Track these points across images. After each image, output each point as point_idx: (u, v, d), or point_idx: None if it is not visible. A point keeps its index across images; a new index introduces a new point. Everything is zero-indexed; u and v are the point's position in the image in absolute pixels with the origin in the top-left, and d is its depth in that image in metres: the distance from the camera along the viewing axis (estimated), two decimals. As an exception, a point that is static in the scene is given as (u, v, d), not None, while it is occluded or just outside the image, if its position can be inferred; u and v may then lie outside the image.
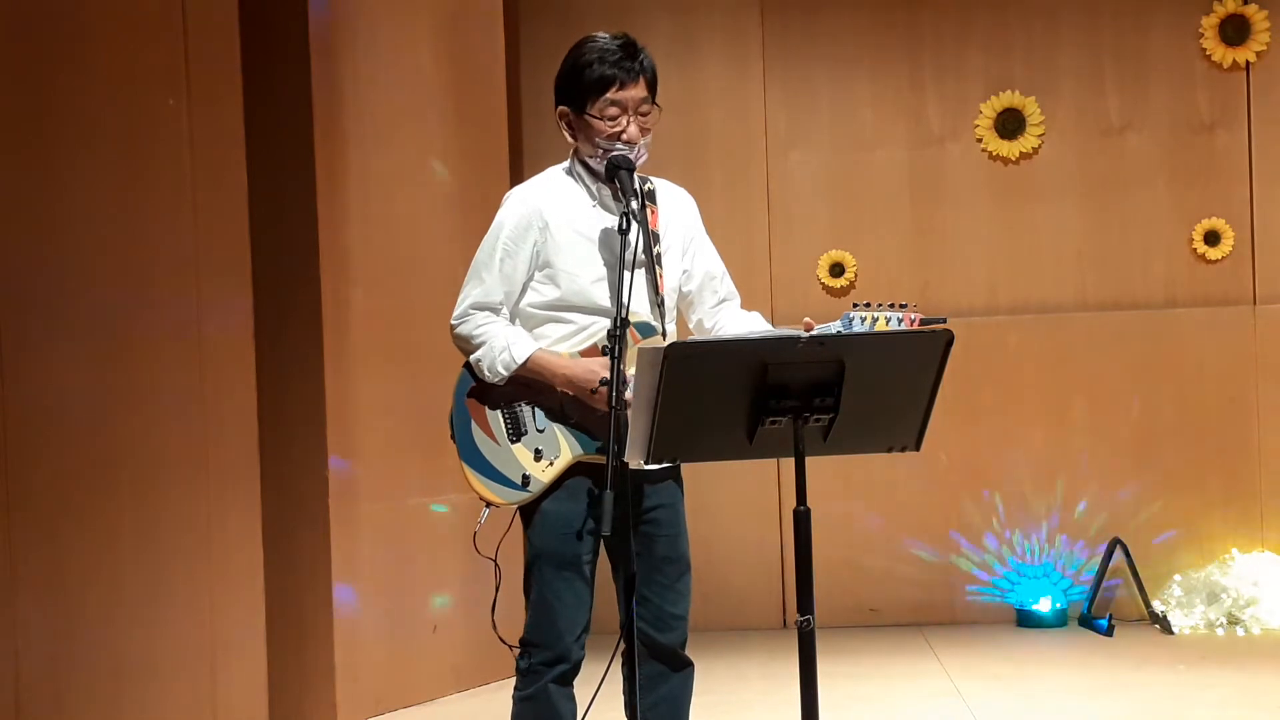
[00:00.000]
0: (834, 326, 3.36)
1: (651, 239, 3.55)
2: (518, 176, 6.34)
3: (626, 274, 3.34)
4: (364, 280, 5.76)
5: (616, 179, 3.45)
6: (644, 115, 3.51)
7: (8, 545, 4.41)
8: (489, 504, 3.53)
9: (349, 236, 5.71)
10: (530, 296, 3.56)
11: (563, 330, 3.54)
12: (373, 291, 5.79)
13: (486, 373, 3.51)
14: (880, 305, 3.38)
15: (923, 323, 3.39)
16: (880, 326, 3.37)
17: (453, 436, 3.57)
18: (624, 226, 3.37)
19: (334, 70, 5.65)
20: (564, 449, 3.50)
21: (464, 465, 3.54)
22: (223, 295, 5.04)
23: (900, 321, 3.37)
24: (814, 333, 3.32)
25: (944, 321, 3.38)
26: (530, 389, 3.50)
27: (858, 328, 3.34)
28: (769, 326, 3.64)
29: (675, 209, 3.67)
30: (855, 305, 3.38)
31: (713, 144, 7.41)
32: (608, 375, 3.37)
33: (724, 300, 3.73)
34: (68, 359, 4.60)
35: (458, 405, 3.57)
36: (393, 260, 5.88)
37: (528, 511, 3.54)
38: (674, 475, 3.63)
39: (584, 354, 3.52)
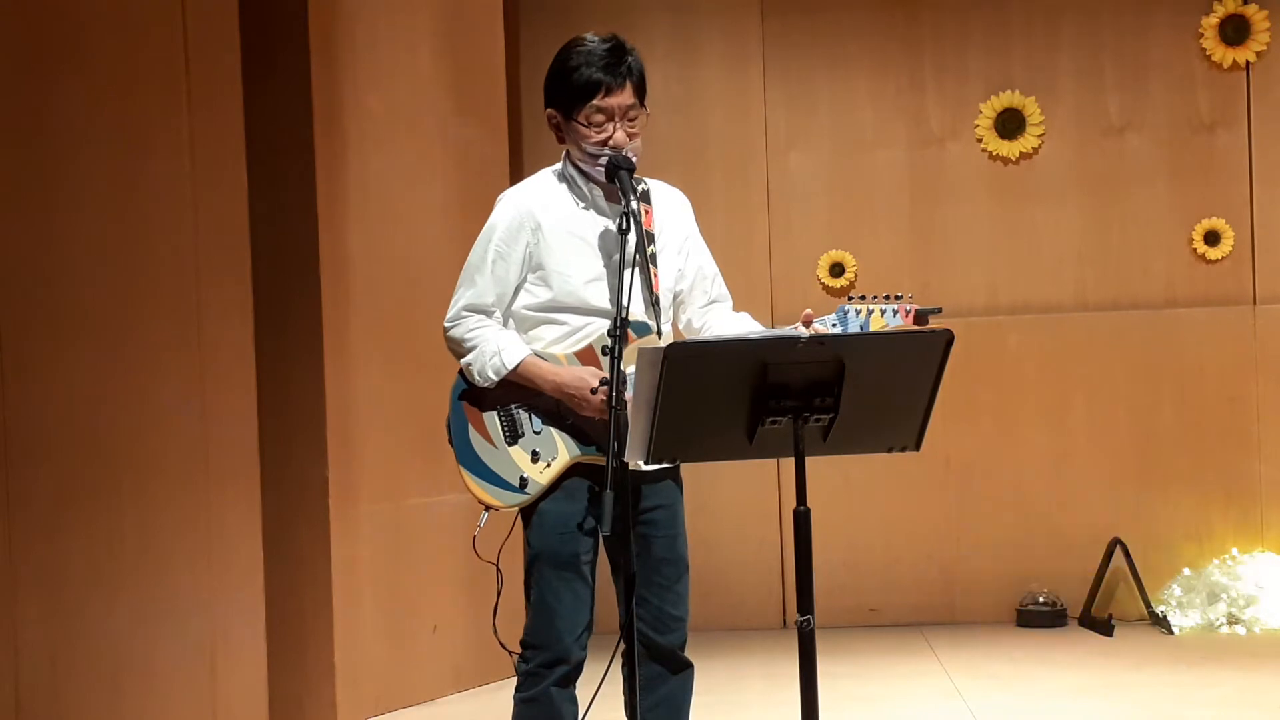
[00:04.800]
0: (830, 320, 3.38)
1: (646, 239, 3.55)
2: (518, 176, 6.33)
3: (626, 273, 3.34)
4: (364, 280, 5.76)
5: (617, 179, 3.45)
6: (631, 121, 3.50)
7: (8, 545, 4.41)
8: (488, 508, 3.53)
9: (349, 236, 5.71)
10: (523, 299, 3.56)
11: (557, 332, 3.54)
12: (373, 291, 5.79)
13: (477, 377, 3.51)
14: (876, 298, 3.40)
15: (918, 313, 3.41)
16: (876, 319, 3.40)
17: (450, 441, 3.57)
18: (624, 226, 3.36)
19: (334, 70, 5.65)
20: (561, 450, 3.50)
21: (461, 469, 3.53)
22: (223, 295, 5.04)
23: (896, 314, 3.40)
24: (811, 326, 3.35)
25: (939, 311, 3.41)
26: (525, 392, 3.50)
27: (852, 320, 3.36)
28: (758, 326, 3.63)
29: (670, 209, 3.67)
30: (850, 298, 3.40)
31: (713, 144, 7.41)
32: (601, 380, 3.38)
33: (714, 301, 3.72)
34: (68, 359, 4.61)
35: (454, 409, 3.57)
36: (393, 260, 5.88)
37: (527, 512, 3.54)
38: (672, 476, 3.63)
39: (579, 354, 3.52)
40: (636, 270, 3.51)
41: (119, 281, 4.75)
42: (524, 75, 7.09)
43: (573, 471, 3.50)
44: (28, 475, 4.47)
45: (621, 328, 3.29)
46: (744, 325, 3.65)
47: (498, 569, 3.55)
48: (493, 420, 3.52)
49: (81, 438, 4.63)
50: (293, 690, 5.48)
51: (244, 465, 5.10)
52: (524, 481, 3.49)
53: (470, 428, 3.53)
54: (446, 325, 3.57)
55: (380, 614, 5.79)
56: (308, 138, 5.54)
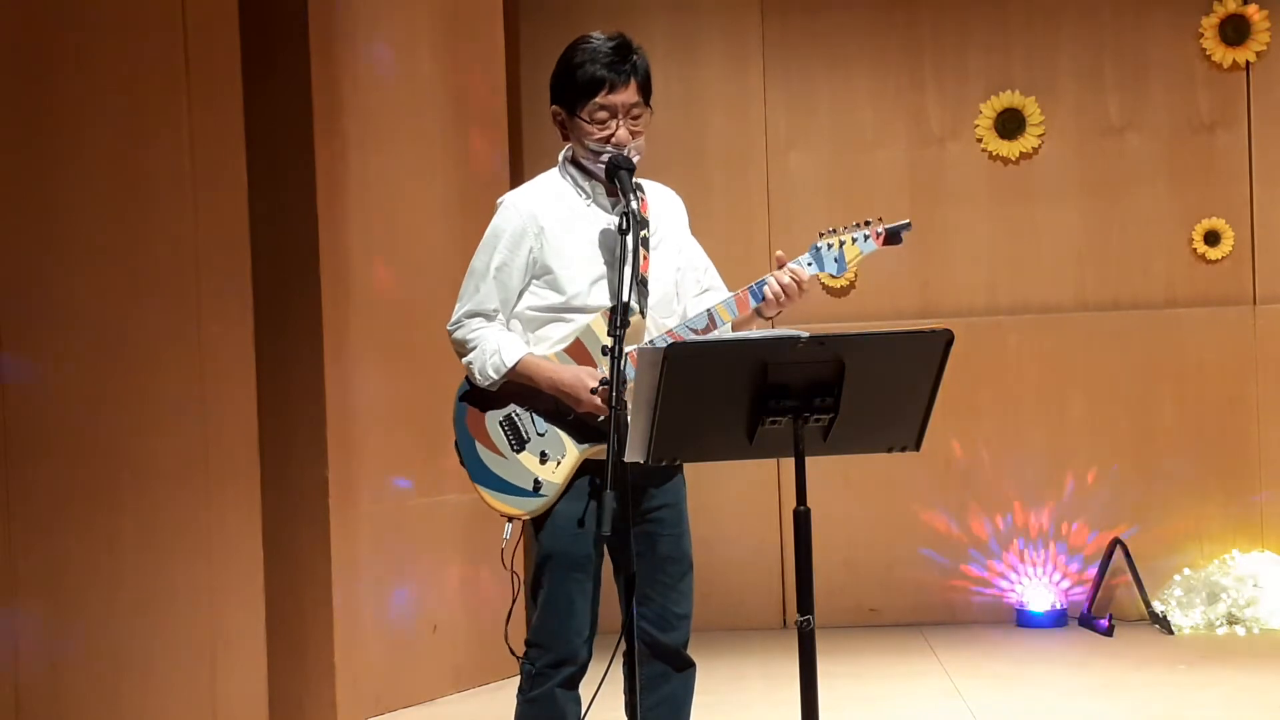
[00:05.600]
0: (805, 259, 3.51)
1: (640, 224, 3.55)
2: (518, 177, 6.34)
3: (627, 272, 3.34)
4: (364, 280, 5.76)
5: (616, 178, 3.46)
6: (635, 119, 3.51)
7: (8, 545, 4.41)
8: (510, 518, 3.54)
9: (349, 236, 5.71)
10: (530, 300, 3.57)
11: (566, 329, 3.55)
12: (373, 292, 5.79)
13: (478, 376, 3.53)
14: (846, 228, 3.46)
15: (889, 232, 3.49)
16: (849, 248, 3.52)
17: (462, 463, 3.58)
18: (624, 226, 3.37)
19: (334, 70, 5.65)
20: (569, 447, 3.50)
21: (478, 487, 3.55)
22: (223, 295, 5.04)
23: (868, 239, 3.50)
24: (785, 267, 3.45)
25: (909, 226, 3.53)
26: (524, 393, 3.52)
27: (826, 254, 3.45)
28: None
29: (664, 206, 3.69)
30: (820, 234, 3.46)
31: (713, 144, 7.41)
32: (597, 382, 3.39)
33: (707, 290, 3.74)
34: (68, 359, 4.61)
35: (459, 430, 3.59)
36: (393, 260, 5.88)
37: (538, 514, 3.55)
38: (678, 474, 3.64)
39: (568, 350, 3.52)
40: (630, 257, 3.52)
41: (119, 281, 4.75)
42: (524, 75, 7.09)
43: (583, 470, 3.51)
44: (28, 475, 4.47)
45: (623, 327, 3.30)
46: None
47: (514, 575, 3.57)
48: (496, 431, 3.54)
49: (81, 437, 4.64)
50: (293, 690, 5.48)
51: (244, 465, 5.10)
52: (538, 484, 3.50)
53: (477, 444, 3.55)
54: (449, 328, 3.61)
55: (380, 614, 5.79)
56: (308, 138, 5.55)
